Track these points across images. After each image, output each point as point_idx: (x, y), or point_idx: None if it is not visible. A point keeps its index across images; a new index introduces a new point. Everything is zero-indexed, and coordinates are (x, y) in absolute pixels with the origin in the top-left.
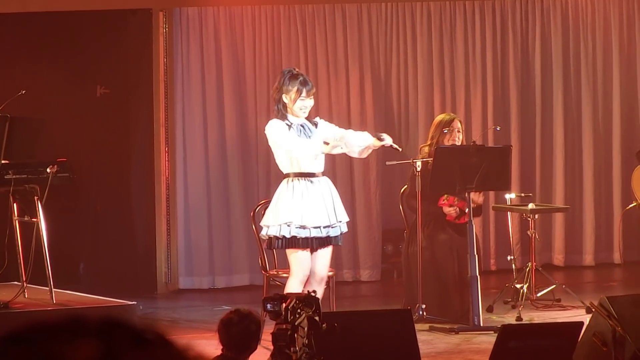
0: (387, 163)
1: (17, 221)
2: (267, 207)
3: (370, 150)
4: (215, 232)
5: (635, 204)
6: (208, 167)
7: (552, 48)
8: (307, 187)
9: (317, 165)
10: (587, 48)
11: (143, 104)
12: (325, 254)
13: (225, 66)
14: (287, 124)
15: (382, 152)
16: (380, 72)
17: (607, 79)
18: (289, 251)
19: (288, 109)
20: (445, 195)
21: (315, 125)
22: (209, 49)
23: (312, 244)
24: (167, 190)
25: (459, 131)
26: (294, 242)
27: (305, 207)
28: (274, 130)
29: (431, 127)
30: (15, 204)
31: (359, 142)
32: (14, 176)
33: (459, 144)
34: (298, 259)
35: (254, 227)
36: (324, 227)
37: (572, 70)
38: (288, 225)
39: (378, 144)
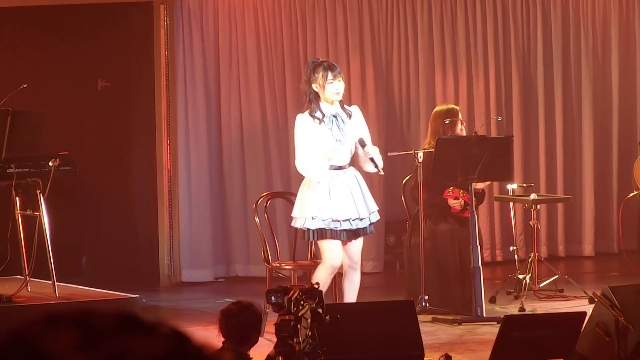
0: (389, 154)
1: (19, 215)
2: (270, 199)
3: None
4: (217, 224)
5: (636, 192)
6: (210, 159)
7: (552, 38)
8: (334, 179)
9: (342, 157)
10: (587, 37)
11: (144, 97)
12: (356, 243)
13: (226, 58)
14: (318, 118)
15: (384, 144)
16: (381, 63)
17: (606, 69)
18: (319, 242)
19: (321, 98)
20: (451, 188)
21: (350, 115)
22: (210, 40)
23: (342, 236)
24: (169, 183)
25: (461, 122)
26: (324, 234)
27: (334, 200)
28: (297, 130)
29: (431, 120)
30: (17, 198)
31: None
32: (16, 170)
33: (462, 133)
34: (328, 248)
35: (257, 219)
36: (353, 220)
37: (572, 59)
38: (313, 218)
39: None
